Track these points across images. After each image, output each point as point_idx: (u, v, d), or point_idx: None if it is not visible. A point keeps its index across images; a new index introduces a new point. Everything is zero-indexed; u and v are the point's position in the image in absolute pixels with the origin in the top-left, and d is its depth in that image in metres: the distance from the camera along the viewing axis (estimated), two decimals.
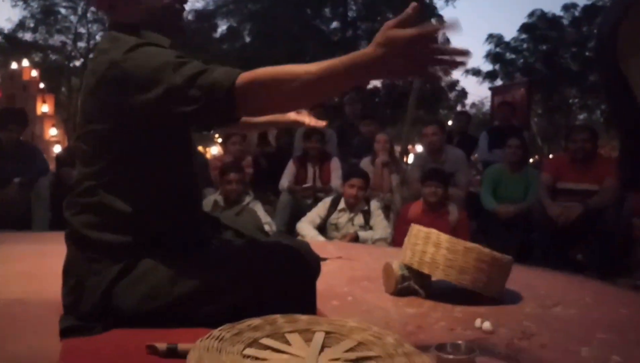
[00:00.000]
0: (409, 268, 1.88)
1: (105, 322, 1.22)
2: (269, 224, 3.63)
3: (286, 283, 1.25)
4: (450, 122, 8.26)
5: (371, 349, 0.85)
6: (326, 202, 3.80)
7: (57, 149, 9.95)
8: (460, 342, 1.30)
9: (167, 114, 1.13)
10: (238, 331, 0.88)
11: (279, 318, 0.95)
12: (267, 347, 0.85)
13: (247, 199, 3.76)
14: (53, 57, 20.59)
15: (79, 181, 1.30)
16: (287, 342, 0.87)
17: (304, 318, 0.96)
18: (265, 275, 1.24)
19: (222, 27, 13.65)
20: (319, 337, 0.88)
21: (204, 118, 1.14)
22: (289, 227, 3.95)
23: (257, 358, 0.81)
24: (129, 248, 1.25)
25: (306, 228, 3.65)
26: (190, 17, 14.75)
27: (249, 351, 0.82)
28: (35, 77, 13.77)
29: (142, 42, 1.18)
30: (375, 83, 13.20)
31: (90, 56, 19.98)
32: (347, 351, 0.85)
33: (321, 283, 1.49)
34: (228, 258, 1.27)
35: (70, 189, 1.34)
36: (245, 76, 1.07)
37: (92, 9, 19.65)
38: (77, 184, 1.30)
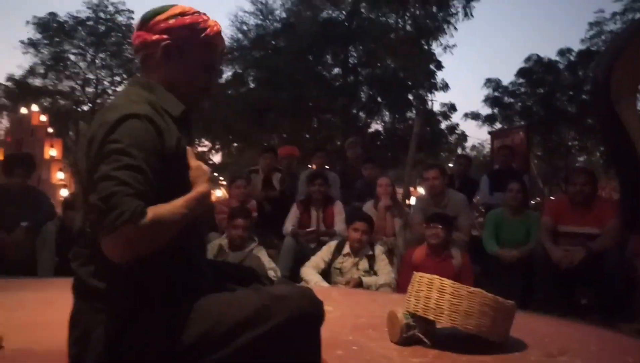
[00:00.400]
0: (413, 316, 1.89)
1: None
2: (273, 270, 3.63)
3: (290, 331, 1.26)
4: (451, 165, 8.34)
5: None
6: (331, 246, 3.81)
7: (64, 193, 10.02)
8: None
9: None
10: None
11: None
12: None
13: (252, 244, 3.76)
14: (62, 102, 21.00)
15: (83, 230, 1.32)
16: None
17: None
18: (268, 324, 1.25)
19: (227, 73, 13.97)
20: None
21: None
22: (293, 272, 3.95)
23: None
24: (129, 297, 1.26)
25: (310, 273, 3.65)
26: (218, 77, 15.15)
27: None
28: (44, 122, 14.00)
29: (139, 114, 1.22)
30: (377, 127, 13.44)
31: (98, 100, 20.39)
32: None
33: (325, 331, 1.50)
34: (230, 307, 1.28)
35: (75, 238, 1.36)
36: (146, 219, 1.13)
37: (101, 55, 20.19)
38: (81, 234, 1.33)
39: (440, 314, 1.81)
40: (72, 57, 20.17)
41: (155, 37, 1.34)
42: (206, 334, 1.24)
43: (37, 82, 20.06)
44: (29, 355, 1.60)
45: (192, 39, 1.36)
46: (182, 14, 1.36)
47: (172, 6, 1.37)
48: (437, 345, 1.84)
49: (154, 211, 1.15)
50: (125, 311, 1.26)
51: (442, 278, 1.87)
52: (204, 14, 1.40)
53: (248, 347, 1.23)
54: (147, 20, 1.36)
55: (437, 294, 1.83)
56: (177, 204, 1.22)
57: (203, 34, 1.37)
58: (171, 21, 1.34)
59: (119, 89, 21.39)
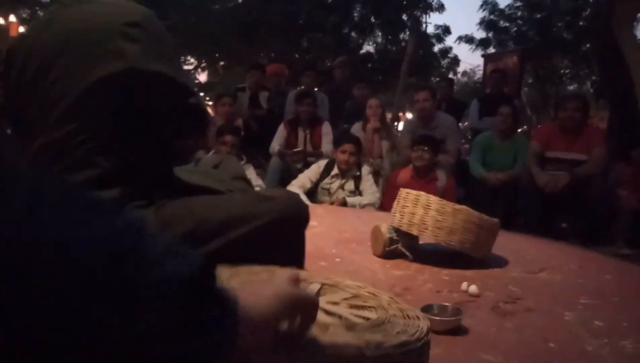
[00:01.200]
0: (397, 231, 1.89)
1: None
2: (259, 187, 3.61)
3: (276, 231, 1.24)
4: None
5: (366, 301, 0.85)
6: (320, 166, 3.78)
7: None
8: (446, 304, 1.32)
9: None
10: (235, 273, 0.89)
11: (277, 269, 0.93)
12: None
13: (240, 163, 3.73)
14: (41, 13, 20.00)
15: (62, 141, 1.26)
16: None
17: (301, 272, 0.96)
18: (255, 223, 1.23)
19: None
20: (314, 287, 0.88)
21: None
22: None
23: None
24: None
25: (295, 192, 3.64)
26: None
27: None
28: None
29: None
30: (368, 48, 13.05)
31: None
32: (344, 299, 0.86)
33: (309, 245, 1.49)
34: (217, 207, 1.25)
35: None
36: None
37: None
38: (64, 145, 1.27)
39: (424, 229, 1.81)
40: None
41: None
42: (191, 232, 1.21)
43: None
44: None
45: None
46: None
47: None
48: (420, 259, 1.86)
49: None
50: None
51: (428, 195, 1.85)
52: None
53: (233, 245, 1.21)
54: None
55: (422, 210, 1.82)
56: None
57: None
58: None
59: None
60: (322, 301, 0.80)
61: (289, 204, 1.26)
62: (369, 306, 0.83)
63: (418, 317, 0.79)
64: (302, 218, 1.30)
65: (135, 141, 1.22)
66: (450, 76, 12.65)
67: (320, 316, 0.72)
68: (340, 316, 0.77)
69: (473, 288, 1.52)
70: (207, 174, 1.52)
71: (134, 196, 1.21)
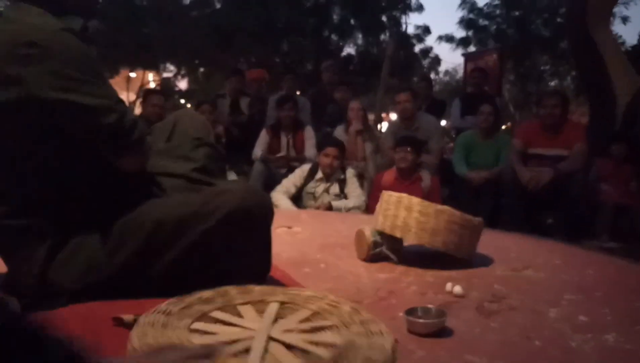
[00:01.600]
0: (381, 234, 1.88)
1: (51, 302, 1.18)
2: None
3: (235, 224, 1.20)
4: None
5: (327, 318, 0.82)
6: (304, 170, 3.76)
7: None
8: (430, 306, 1.31)
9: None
10: (187, 304, 0.84)
11: (232, 290, 0.91)
12: (217, 320, 0.81)
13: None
14: None
15: None
16: (239, 314, 0.84)
17: (257, 289, 0.93)
18: (212, 218, 1.19)
19: None
20: (272, 308, 0.85)
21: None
22: None
23: (205, 333, 0.77)
24: (49, 228, 1.20)
25: (280, 198, 3.62)
26: None
27: (197, 325, 0.78)
28: None
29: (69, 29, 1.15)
30: (349, 50, 13.07)
31: None
32: (302, 321, 0.82)
33: (293, 251, 1.48)
34: (171, 208, 1.22)
35: None
36: None
37: None
38: None
39: (407, 232, 1.80)
40: None
41: None
42: (148, 239, 1.18)
43: None
44: None
45: None
46: None
47: None
48: (404, 261, 1.85)
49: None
50: (48, 240, 1.20)
51: (410, 196, 1.84)
52: None
53: (195, 245, 1.18)
54: None
55: (405, 212, 1.81)
56: None
57: None
58: None
59: None
60: (278, 331, 0.77)
61: (246, 196, 1.22)
62: (329, 326, 0.80)
63: (382, 332, 0.76)
64: (262, 209, 1.26)
65: (53, 169, 1.18)
66: (432, 75, 12.73)
67: (281, 356, 0.70)
68: (302, 350, 0.73)
69: (457, 289, 1.51)
70: (164, 154, 1.47)
71: (49, 224, 1.19)
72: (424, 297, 1.50)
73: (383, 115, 9.29)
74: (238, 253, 0.95)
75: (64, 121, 1.14)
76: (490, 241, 2.10)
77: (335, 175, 3.68)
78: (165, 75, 15.11)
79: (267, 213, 1.28)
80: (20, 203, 1.19)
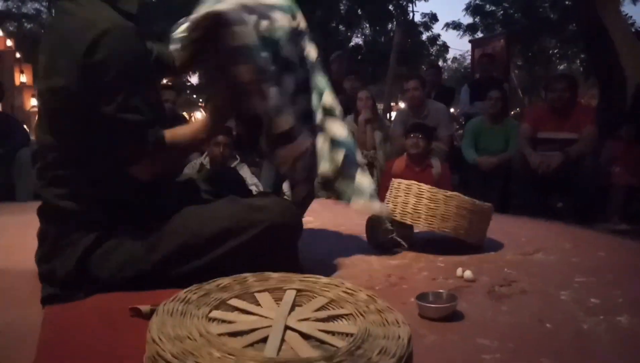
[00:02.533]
0: (391, 221, 1.89)
1: (84, 290, 1.23)
2: (255, 185, 3.61)
3: (268, 241, 1.25)
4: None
5: (343, 306, 0.83)
6: None
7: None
8: (441, 290, 1.33)
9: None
10: (205, 292, 0.85)
11: (249, 277, 0.92)
12: (235, 308, 0.82)
13: (234, 162, 3.72)
14: (28, 25, 19.85)
15: (44, 149, 1.28)
16: (257, 302, 0.85)
17: (275, 276, 0.94)
18: (247, 234, 1.24)
19: None
20: (289, 296, 0.86)
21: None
22: (276, 188, 3.93)
23: (223, 321, 0.78)
24: (100, 218, 1.25)
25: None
26: None
27: (215, 313, 0.79)
28: (10, 47, 13.31)
29: (117, 26, 1.18)
30: (357, 40, 13.01)
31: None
32: (317, 309, 0.83)
33: (306, 240, 1.50)
34: (207, 219, 1.27)
35: (36, 159, 1.33)
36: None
37: None
38: (43, 154, 1.28)
39: (417, 218, 1.82)
40: None
41: None
42: (183, 246, 1.24)
43: None
44: (5, 276, 1.58)
45: None
46: None
47: None
48: (415, 247, 1.87)
49: (171, 135, 1.26)
50: (95, 230, 1.24)
51: (419, 183, 1.86)
52: None
53: (226, 257, 1.23)
54: None
55: (415, 199, 1.83)
56: (192, 129, 1.35)
57: None
58: None
59: None
60: (294, 320, 0.78)
61: (280, 213, 1.28)
62: (345, 315, 0.81)
63: (398, 322, 0.77)
64: (294, 226, 1.32)
65: (105, 160, 1.25)
66: (440, 62, 12.63)
67: (297, 345, 0.72)
68: (317, 340, 0.74)
69: (468, 274, 1.53)
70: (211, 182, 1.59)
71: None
72: (435, 282, 1.52)
73: (392, 104, 9.25)
74: (266, 268, 0.98)
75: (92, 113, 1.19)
76: (500, 226, 2.11)
77: None
78: None
79: (298, 230, 1.32)
80: (78, 188, 1.24)
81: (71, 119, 1.21)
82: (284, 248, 1.31)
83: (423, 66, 11.94)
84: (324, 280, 0.93)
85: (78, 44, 1.15)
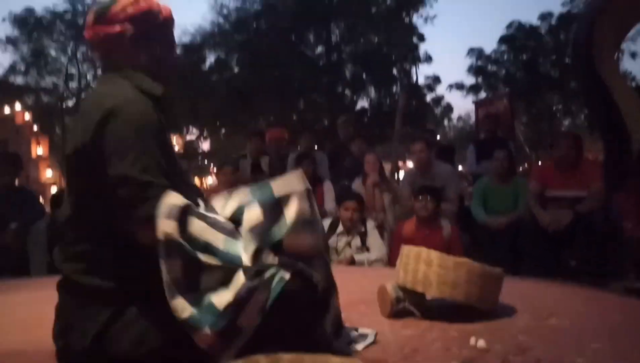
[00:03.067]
0: (403, 289, 1.90)
1: None
2: None
3: (281, 314, 1.26)
4: (438, 137, 8.33)
5: None
6: (325, 225, 3.81)
7: (54, 190, 10.00)
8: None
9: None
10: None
11: (261, 359, 0.93)
12: None
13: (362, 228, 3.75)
14: (45, 99, 20.66)
15: (65, 224, 1.34)
16: None
17: (286, 357, 0.94)
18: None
19: (210, 59, 13.82)
20: None
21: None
22: None
23: None
24: (118, 293, 1.27)
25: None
26: (178, 51, 14.89)
27: None
28: (28, 121, 13.80)
29: (134, 100, 1.28)
30: (363, 104, 13.38)
31: (83, 95, 20.11)
32: None
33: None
34: None
35: (60, 234, 1.38)
36: None
37: (82, 48, 19.85)
38: (65, 230, 1.33)
39: (428, 286, 1.83)
40: (52, 52, 19.87)
41: (117, 28, 1.35)
42: None
43: (18, 80, 19.75)
44: (23, 356, 1.60)
45: (154, 22, 1.39)
46: (136, 1, 1.37)
47: None
48: (428, 316, 1.87)
49: None
50: (113, 304, 1.26)
51: (429, 250, 1.88)
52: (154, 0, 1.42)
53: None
54: (103, 14, 1.36)
55: (425, 266, 1.85)
56: None
57: (161, 16, 1.41)
58: (129, 10, 1.36)
59: None
60: None
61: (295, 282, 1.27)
62: None
63: None
64: (310, 290, 1.31)
65: (118, 233, 1.28)
66: (445, 122, 12.86)
67: None
68: None
69: (481, 343, 1.53)
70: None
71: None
72: (448, 353, 1.52)
73: (400, 164, 9.37)
74: (287, 343, 0.99)
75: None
76: (513, 290, 2.11)
77: (356, 228, 3.72)
78: (189, 138, 15.56)
79: (313, 292, 1.30)
80: (96, 264, 1.28)
81: (86, 184, 1.27)
82: (303, 320, 1.30)
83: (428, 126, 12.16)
84: (334, 360, 0.94)
85: (95, 112, 1.24)
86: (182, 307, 1.15)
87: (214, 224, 1.24)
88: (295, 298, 1.21)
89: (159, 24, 1.41)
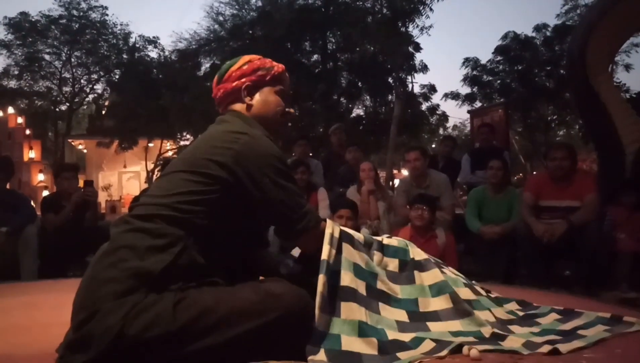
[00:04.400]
0: None
1: (113, 353, 1.20)
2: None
3: (280, 328, 1.27)
4: (433, 146, 8.36)
5: None
6: None
7: (46, 194, 9.96)
8: None
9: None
10: None
11: None
12: None
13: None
14: (39, 102, 20.60)
15: (144, 204, 1.41)
16: None
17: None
18: (260, 319, 1.26)
19: (205, 65, 13.84)
20: None
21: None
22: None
23: None
24: (159, 279, 1.28)
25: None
26: (173, 56, 14.94)
27: None
28: (21, 124, 13.75)
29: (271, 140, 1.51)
30: (359, 112, 13.42)
31: (76, 99, 19.85)
32: None
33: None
34: (225, 298, 1.29)
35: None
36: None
37: (77, 53, 19.85)
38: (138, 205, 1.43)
39: None
40: (46, 56, 19.88)
41: (234, 83, 1.63)
42: (195, 319, 1.24)
43: (12, 84, 19.73)
44: (11, 360, 1.58)
45: (265, 76, 1.65)
46: (250, 60, 1.66)
47: (239, 58, 1.68)
48: None
49: None
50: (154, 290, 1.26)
51: None
52: (267, 59, 1.70)
53: (237, 339, 1.24)
54: (224, 75, 1.65)
55: None
56: None
57: (273, 71, 1.66)
58: (245, 67, 1.64)
59: (97, 87, 21.06)
60: None
61: (295, 302, 1.31)
62: None
63: None
64: (307, 316, 1.34)
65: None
66: (440, 131, 12.90)
67: None
68: None
69: (474, 352, 1.52)
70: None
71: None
72: (442, 361, 1.51)
73: (395, 172, 9.39)
74: (276, 354, 1.01)
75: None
76: None
77: None
78: (183, 143, 15.56)
79: (311, 319, 1.35)
80: (157, 249, 1.32)
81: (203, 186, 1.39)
82: (296, 334, 1.32)
83: (424, 135, 12.18)
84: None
85: (230, 141, 1.42)
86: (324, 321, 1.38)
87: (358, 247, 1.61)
88: None
89: (271, 78, 1.65)
